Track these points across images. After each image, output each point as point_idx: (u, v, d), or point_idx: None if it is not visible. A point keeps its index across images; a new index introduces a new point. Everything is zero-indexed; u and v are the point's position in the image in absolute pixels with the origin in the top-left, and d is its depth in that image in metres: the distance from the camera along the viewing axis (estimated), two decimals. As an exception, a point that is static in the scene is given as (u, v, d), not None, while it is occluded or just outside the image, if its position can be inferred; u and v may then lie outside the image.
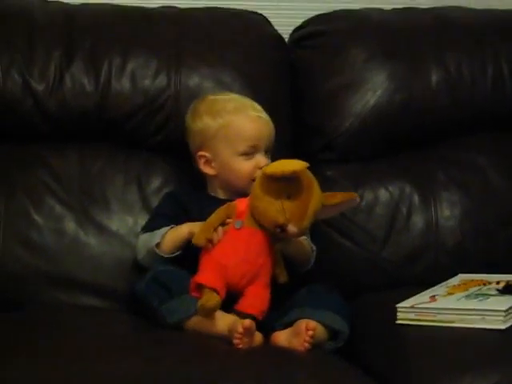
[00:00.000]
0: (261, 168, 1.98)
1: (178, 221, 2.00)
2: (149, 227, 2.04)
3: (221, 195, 2.06)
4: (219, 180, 2.06)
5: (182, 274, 1.91)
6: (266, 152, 2.04)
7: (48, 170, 2.15)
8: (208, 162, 2.06)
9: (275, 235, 1.87)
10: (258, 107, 2.07)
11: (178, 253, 1.96)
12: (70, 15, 2.21)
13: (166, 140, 2.18)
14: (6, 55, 2.14)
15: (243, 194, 1.98)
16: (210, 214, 1.93)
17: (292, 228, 1.83)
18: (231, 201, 1.96)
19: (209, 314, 1.81)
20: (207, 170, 2.06)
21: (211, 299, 1.80)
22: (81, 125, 2.16)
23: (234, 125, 2.03)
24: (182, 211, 2.03)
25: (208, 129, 2.05)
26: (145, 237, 2.02)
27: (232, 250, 1.87)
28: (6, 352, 1.71)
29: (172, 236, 1.97)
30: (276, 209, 1.83)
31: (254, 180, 1.98)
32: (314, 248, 2.05)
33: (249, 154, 2.02)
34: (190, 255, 1.94)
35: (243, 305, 1.85)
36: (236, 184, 2.04)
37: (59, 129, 2.17)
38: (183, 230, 1.95)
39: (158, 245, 1.97)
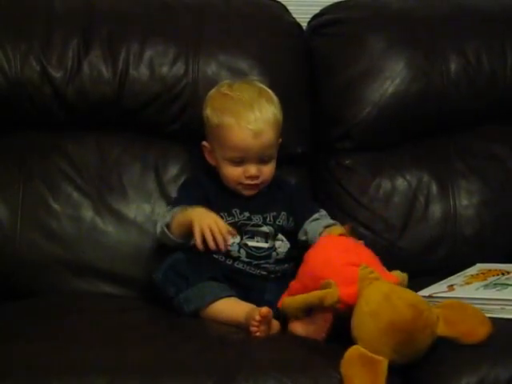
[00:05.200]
0: (248, 176, 1.98)
1: (201, 203, 1.98)
2: (174, 204, 2.02)
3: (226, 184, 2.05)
4: (219, 172, 2.05)
5: (199, 262, 1.92)
6: (263, 160, 2.00)
7: (66, 158, 2.15)
8: (210, 152, 2.06)
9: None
10: (260, 112, 1.98)
11: (185, 242, 1.94)
12: (88, 2, 2.21)
13: (183, 128, 2.18)
14: (24, 42, 2.14)
15: (235, 190, 2.01)
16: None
17: None
18: (237, 192, 2.00)
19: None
20: (209, 159, 2.06)
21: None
22: (98, 112, 2.17)
23: (224, 130, 1.99)
24: (203, 196, 2.02)
25: (209, 122, 2.04)
26: (164, 213, 2.01)
27: None
28: (23, 338, 1.73)
29: (179, 219, 1.95)
30: None
31: (240, 183, 1.99)
32: None
33: (236, 162, 2.00)
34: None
35: None
36: (225, 183, 2.03)
37: (77, 116, 2.17)
38: (189, 217, 1.92)
39: (168, 226, 1.96)
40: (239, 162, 1.99)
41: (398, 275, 1.80)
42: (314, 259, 1.80)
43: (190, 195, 2.02)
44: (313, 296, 1.74)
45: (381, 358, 1.63)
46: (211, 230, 1.88)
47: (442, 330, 1.68)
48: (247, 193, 2.03)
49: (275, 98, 2.04)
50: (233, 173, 2.00)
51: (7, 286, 2.06)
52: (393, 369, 1.65)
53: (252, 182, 2.01)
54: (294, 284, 1.84)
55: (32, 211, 2.10)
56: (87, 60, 2.15)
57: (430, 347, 1.67)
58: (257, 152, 1.98)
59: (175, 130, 2.19)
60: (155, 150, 2.19)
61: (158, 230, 2.00)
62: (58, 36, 2.15)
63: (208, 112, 2.04)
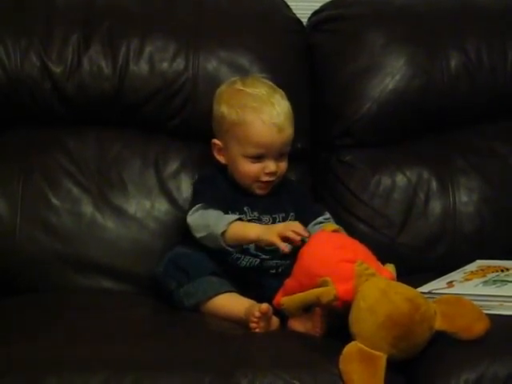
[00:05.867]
0: (267, 173, 1.98)
1: (222, 201, 1.98)
2: (213, 204, 1.96)
3: (236, 181, 2.05)
4: (230, 169, 2.05)
5: (200, 257, 1.92)
6: (281, 156, 2.00)
7: (66, 153, 2.15)
8: (220, 150, 2.04)
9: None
10: (280, 108, 1.99)
11: (233, 250, 1.93)
12: (88, -3, 2.21)
13: (183, 123, 2.18)
14: (25, 38, 2.14)
15: (247, 189, 2.00)
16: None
17: None
18: (246, 189, 2.00)
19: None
20: (219, 157, 2.05)
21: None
22: (98, 107, 2.17)
23: (245, 127, 1.98)
24: (223, 193, 2.00)
25: (223, 120, 2.02)
26: (208, 215, 1.94)
27: None
28: (25, 334, 1.74)
29: (238, 234, 1.91)
30: None
31: (258, 180, 1.99)
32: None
33: (256, 158, 1.99)
34: None
35: None
36: (240, 181, 2.02)
37: (77, 111, 2.17)
38: (251, 234, 1.90)
39: (223, 233, 1.91)
40: (258, 158, 1.99)
41: (392, 270, 1.81)
42: (309, 257, 1.81)
43: (214, 193, 2.00)
44: (310, 294, 1.74)
45: (379, 353, 1.63)
46: (289, 229, 1.86)
47: (439, 324, 1.68)
48: (260, 191, 2.02)
49: (285, 95, 2.04)
50: (251, 169, 1.99)
51: (7, 281, 2.06)
52: (393, 365, 1.66)
53: (270, 179, 2.00)
54: (288, 282, 1.84)
55: (32, 206, 2.10)
56: (87, 55, 2.15)
57: (429, 342, 1.67)
58: (278, 147, 1.99)
59: (175, 125, 2.19)
60: (155, 146, 2.19)
61: (202, 230, 1.93)
62: (58, 31, 2.15)
63: (224, 109, 2.02)
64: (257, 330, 1.77)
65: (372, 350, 1.63)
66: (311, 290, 1.74)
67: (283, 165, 2.02)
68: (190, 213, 1.98)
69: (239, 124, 1.99)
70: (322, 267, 1.77)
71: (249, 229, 1.92)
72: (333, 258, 1.77)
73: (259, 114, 1.98)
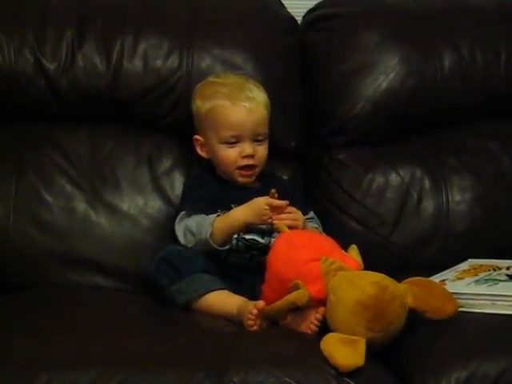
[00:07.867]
0: (245, 156, 1.99)
1: (213, 202, 1.99)
2: (196, 209, 1.98)
3: (224, 177, 2.06)
4: (214, 163, 2.06)
5: (192, 254, 1.92)
6: (256, 139, 2.02)
7: (59, 150, 2.15)
8: (202, 146, 2.06)
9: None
10: (251, 93, 2.02)
11: (224, 249, 1.94)
12: (82, -6, 2.21)
13: (177, 121, 2.18)
14: (19, 34, 2.14)
15: (232, 179, 2.01)
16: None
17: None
18: (233, 183, 2.01)
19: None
20: (202, 153, 2.07)
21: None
22: (92, 105, 2.17)
23: (218, 111, 2.02)
24: (212, 192, 2.01)
25: (199, 112, 2.06)
26: (190, 223, 1.96)
27: None
28: (14, 331, 1.73)
29: (224, 226, 1.93)
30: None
31: (238, 168, 2.00)
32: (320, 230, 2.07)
33: (232, 142, 2.01)
34: None
35: None
36: (223, 169, 2.04)
37: (70, 108, 2.17)
38: (239, 219, 1.92)
39: (210, 235, 1.92)
40: (234, 142, 2.01)
41: (356, 254, 1.83)
42: (276, 262, 1.82)
43: (201, 191, 2.02)
44: (286, 301, 1.75)
45: (358, 337, 1.65)
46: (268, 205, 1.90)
47: (411, 301, 1.71)
48: (242, 180, 2.03)
49: (261, 87, 2.07)
50: (229, 154, 2.01)
51: (-1, 277, 2.06)
52: (384, 364, 1.66)
53: (249, 163, 2.01)
54: (264, 288, 1.85)
55: (25, 203, 2.10)
56: (81, 52, 2.15)
57: (406, 320, 1.70)
58: (251, 129, 2.00)
59: (169, 122, 2.19)
60: (149, 143, 2.19)
61: (191, 240, 1.95)
62: (52, 28, 2.15)
63: (197, 102, 2.06)
64: (255, 328, 1.77)
65: (351, 336, 1.65)
66: (285, 297, 1.76)
67: (261, 149, 2.03)
68: (177, 220, 2.00)
69: (212, 110, 2.02)
70: (289, 271, 1.79)
71: (232, 216, 1.94)
72: (298, 260, 1.79)
73: (230, 98, 2.01)
